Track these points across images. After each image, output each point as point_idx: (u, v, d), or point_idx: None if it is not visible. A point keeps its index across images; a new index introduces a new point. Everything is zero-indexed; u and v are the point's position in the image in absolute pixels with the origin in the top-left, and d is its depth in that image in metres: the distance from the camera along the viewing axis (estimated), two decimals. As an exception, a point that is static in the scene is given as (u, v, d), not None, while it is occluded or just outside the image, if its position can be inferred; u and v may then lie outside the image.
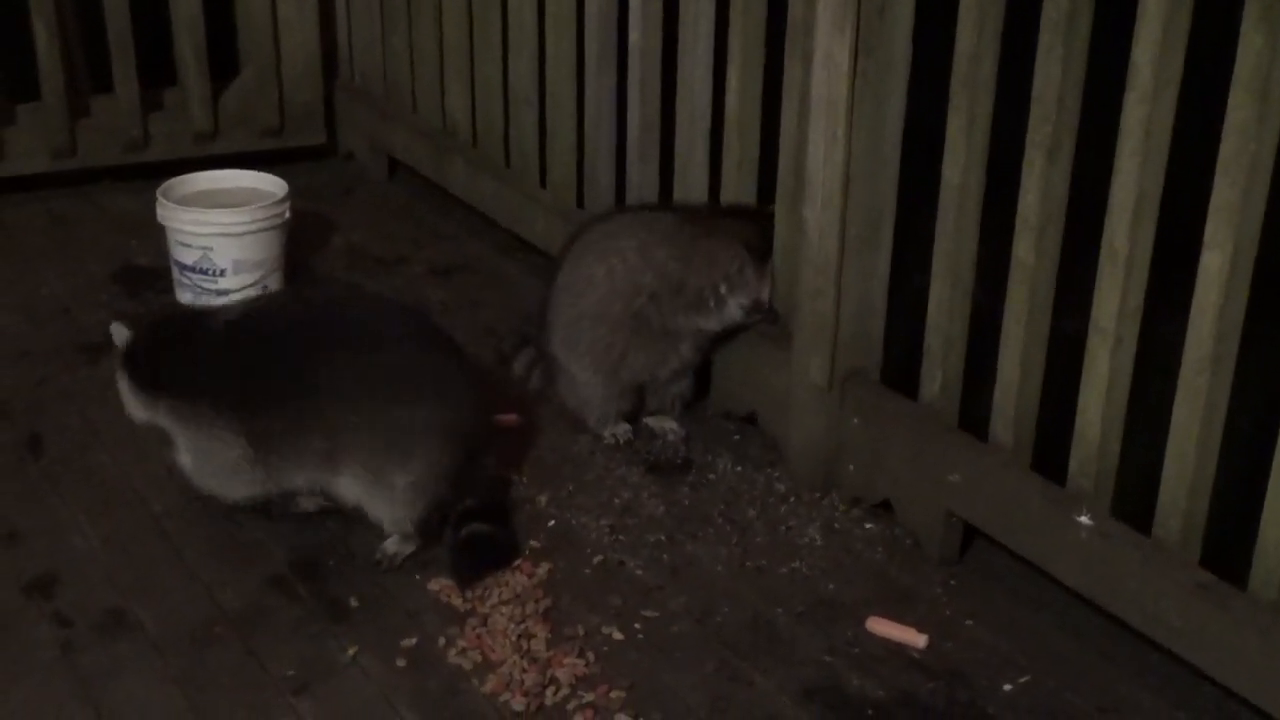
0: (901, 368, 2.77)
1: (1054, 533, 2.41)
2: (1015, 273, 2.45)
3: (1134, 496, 2.37)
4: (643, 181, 3.31)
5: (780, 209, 2.86)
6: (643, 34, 3.20)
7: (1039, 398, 2.49)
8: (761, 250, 2.91)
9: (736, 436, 3.02)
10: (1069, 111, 2.31)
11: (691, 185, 3.14)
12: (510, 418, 3.06)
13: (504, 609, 2.48)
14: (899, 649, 2.42)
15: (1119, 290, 2.27)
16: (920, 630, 2.45)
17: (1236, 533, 2.24)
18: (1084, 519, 2.36)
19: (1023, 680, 2.35)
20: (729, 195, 3.04)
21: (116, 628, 2.45)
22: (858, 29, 2.55)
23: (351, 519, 2.71)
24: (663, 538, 2.71)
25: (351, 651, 2.39)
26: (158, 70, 4.19)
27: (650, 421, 3.04)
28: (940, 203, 2.57)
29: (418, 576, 2.58)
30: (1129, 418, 2.35)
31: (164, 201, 3.56)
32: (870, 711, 2.29)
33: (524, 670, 2.34)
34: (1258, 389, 2.43)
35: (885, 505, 2.74)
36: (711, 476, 2.90)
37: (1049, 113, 2.31)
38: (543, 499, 2.81)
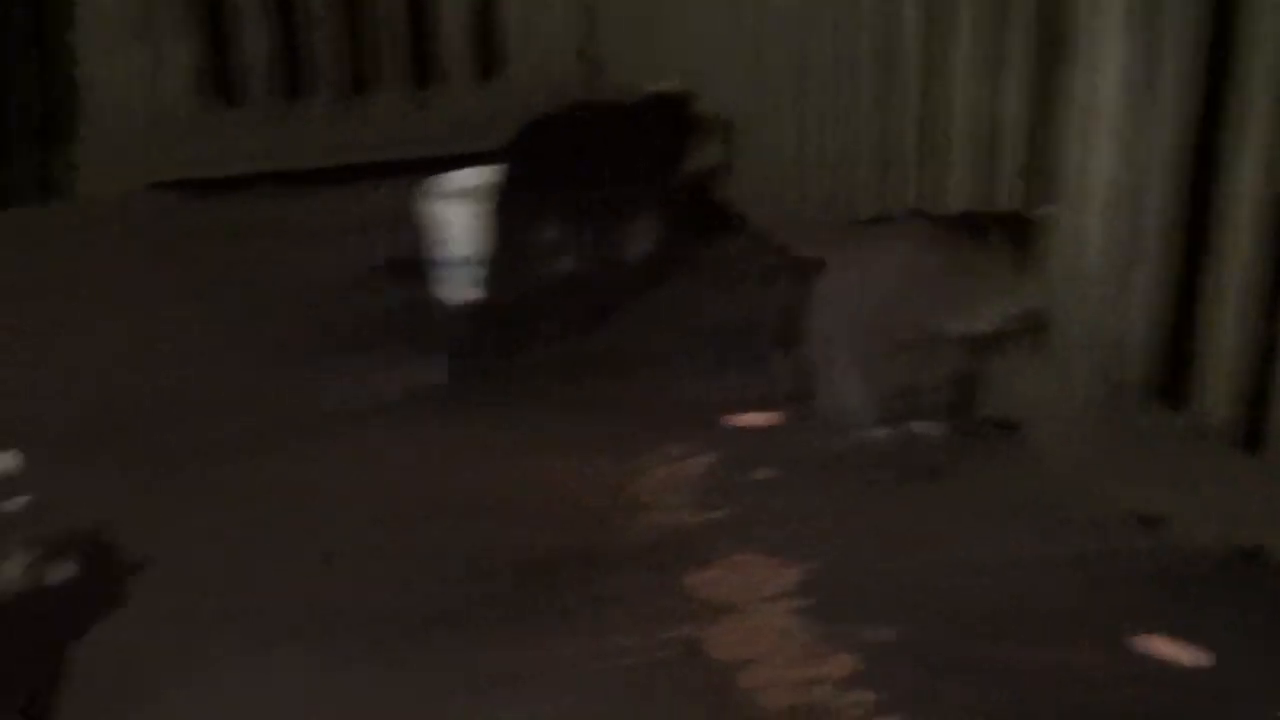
0: (1176, 382, 2.70)
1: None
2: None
3: None
4: (905, 186, 3.29)
5: (1052, 216, 2.82)
6: (912, 35, 3.18)
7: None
8: (1029, 257, 2.88)
9: (999, 445, 2.98)
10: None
11: (958, 191, 3.11)
12: (766, 416, 3.08)
13: (766, 605, 2.50)
14: (1173, 670, 2.36)
15: None
16: (1195, 651, 2.38)
17: None
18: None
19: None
20: (997, 202, 3.01)
21: (335, 615, 2.51)
22: (1139, 33, 2.50)
23: (610, 507, 2.77)
24: (921, 542, 2.68)
25: (614, 640, 2.43)
26: (423, 68, 4.33)
27: (910, 425, 3.02)
28: (1222, 214, 2.50)
29: (675, 568, 2.61)
30: None
31: (430, 197, 3.66)
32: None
33: (788, 667, 2.35)
34: None
35: (1155, 520, 2.68)
36: (972, 483, 2.86)
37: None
38: (801, 497, 2.81)
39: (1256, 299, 2.50)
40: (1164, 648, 2.39)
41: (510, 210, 3.41)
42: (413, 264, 3.70)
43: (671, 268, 3.61)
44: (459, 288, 3.61)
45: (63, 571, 2.44)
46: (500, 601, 2.54)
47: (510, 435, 3.04)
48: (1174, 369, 2.71)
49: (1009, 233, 2.92)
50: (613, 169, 3.44)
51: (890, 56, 3.27)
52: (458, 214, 3.60)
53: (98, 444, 3.01)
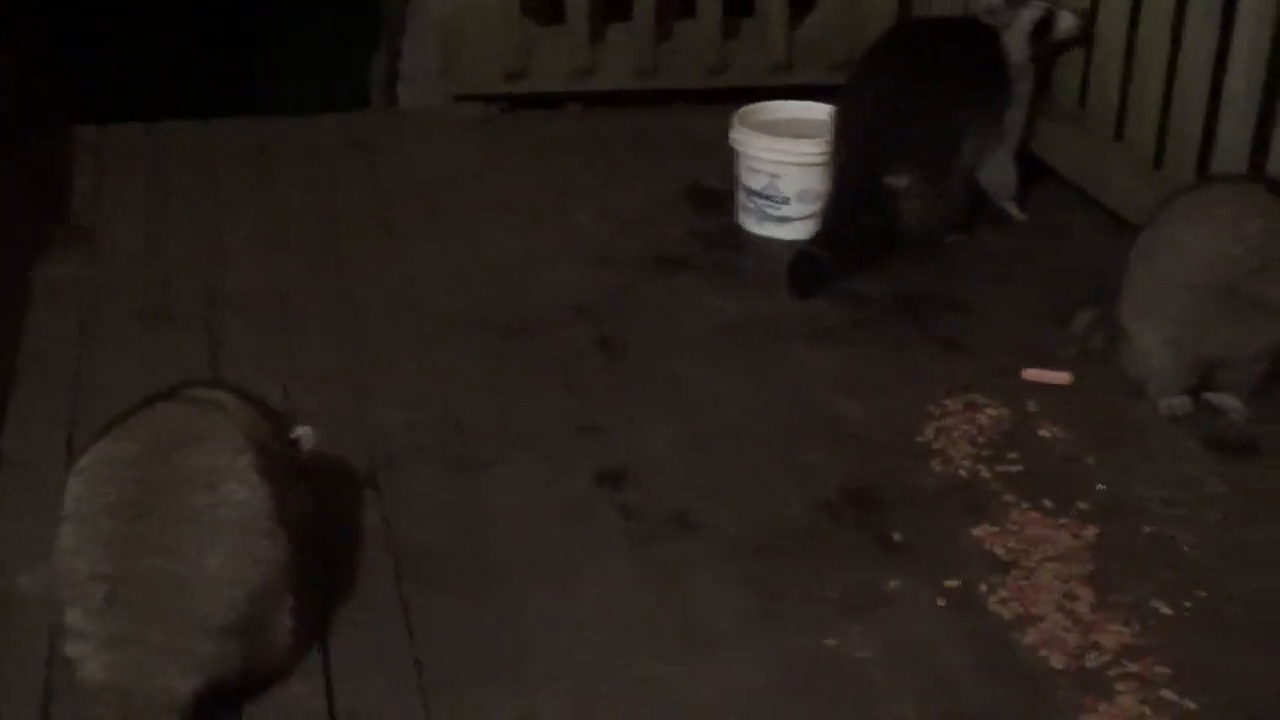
0: None
1: None
2: None
3: None
4: (1234, 145, 3.15)
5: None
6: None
7: None
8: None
9: (1311, 427, 2.86)
10: None
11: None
12: (1061, 375, 3.02)
13: (1049, 566, 2.47)
14: None
15: None
16: None
17: None
18: None
19: None
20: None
21: (684, 526, 2.59)
22: None
23: (901, 450, 2.77)
24: (1220, 517, 2.61)
25: (895, 584, 2.44)
26: (738, 1, 4.34)
27: (1212, 397, 2.92)
28: None
29: (959, 518, 2.59)
30: None
31: (739, 126, 3.69)
32: None
33: (1066, 630, 2.32)
34: None
35: None
36: (1276, 462, 2.76)
37: None
38: (1091, 460, 2.76)
39: None
40: None
41: (853, 143, 3.48)
42: (720, 192, 3.74)
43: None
44: (763, 220, 3.63)
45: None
46: (789, 533, 2.58)
47: (811, 370, 3.07)
48: None
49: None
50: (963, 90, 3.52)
51: (1231, 11, 3.13)
52: (762, 145, 3.62)
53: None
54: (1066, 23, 3.61)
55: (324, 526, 2.45)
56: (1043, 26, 3.61)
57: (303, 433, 2.35)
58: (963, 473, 2.72)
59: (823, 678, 2.26)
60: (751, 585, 2.44)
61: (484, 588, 2.44)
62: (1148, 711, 2.16)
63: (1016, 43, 3.59)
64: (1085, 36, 3.64)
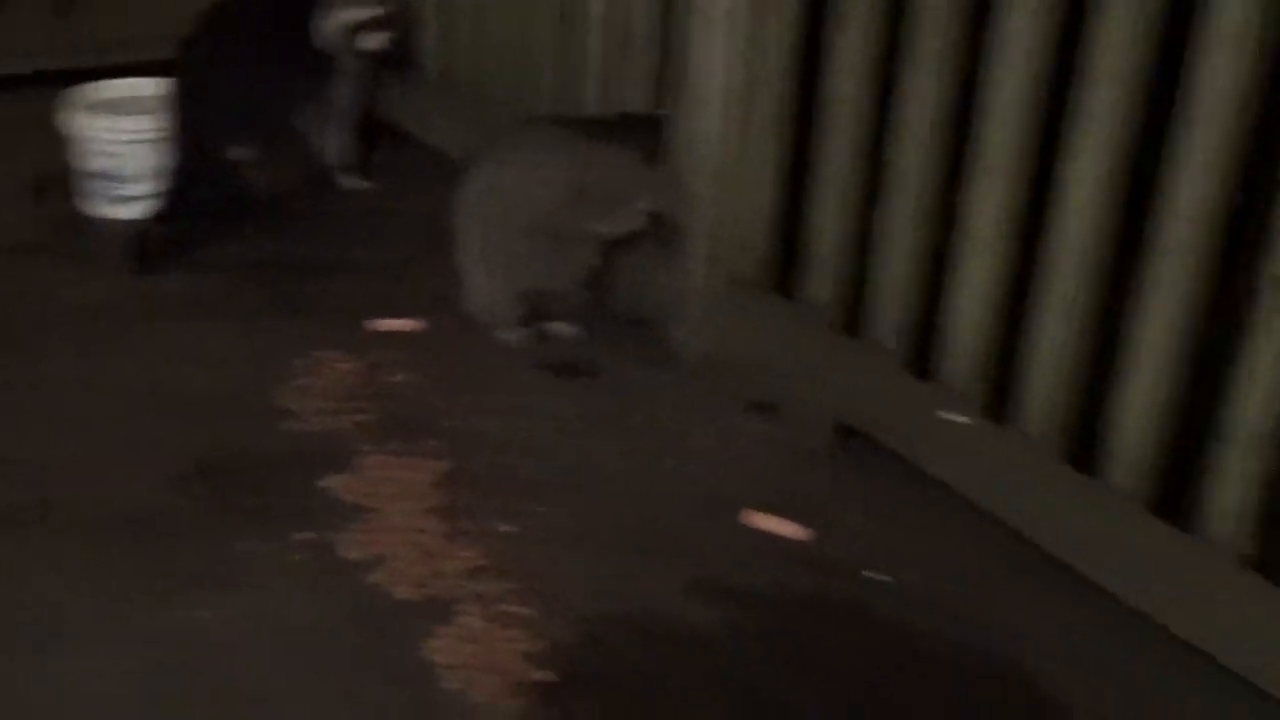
0: (787, 273, 2.84)
1: (929, 431, 2.50)
2: (896, 180, 2.52)
3: (1005, 395, 2.46)
4: (543, 89, 3.35)
5: (673, 117, 2.91)
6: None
7: (919, 301, 2.58)
8: (656, 156, 2.96)
9: (633, 341, 3.08)
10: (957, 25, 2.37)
11: (590, 94, 3.19)
12: (411, 323, 3.11)
13: (399, 504, 2.55)
14: (781, 543, 2.51)
15: (993, 198, 2.35)
16: (802, 525, 2.53)
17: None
18: (956, 417, 2.45)
19: (902, 574, 2.43)
20: (628, 105, 3.09)
21: (27, 516, 2.49)
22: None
23: (252, 415, 2.77)
24: (557, 438, 2.77)
25: (249, 547, 2.44)
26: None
27: (549, 325, 3.10)
28: (828, 113, 2.64)
29: (311, 472, 2.63)
30: (1000, 317, 2.44)
31: (70, 109, 3.56)
32: (752, 602, 2.37)
33: (415, 563, 2.41)
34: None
35: (773, 406, 2.82)
36: (607, 379, 2.97)
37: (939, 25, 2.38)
38: (440, 400, 2.87)
39: (855, 192, 2.64)
40: (769, 523, 2.53)
41: (183, 119, 3.41)
42: (57, 177, 3.60)
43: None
44: (107, 202, 3.53)
45: None
46: (138, 512, 2.53)
47: (160, 347, 3.02)
48: (787, 261, 2.85)
49: (639, 135, 2.99)
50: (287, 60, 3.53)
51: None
52: (101, 126, 3.51)
53: None
54: (370, 43, 3.58)
55: None
56: (354, 31, 3.58)
57: None
58: (315, 429, 2.76)
59: (178, 653, 2.22)
60: (98, 570, 2.37)
61: None
62: (489, 626, 2.28)
63: (324, 34, 3.57)
64: (393, 51, 3.66)
